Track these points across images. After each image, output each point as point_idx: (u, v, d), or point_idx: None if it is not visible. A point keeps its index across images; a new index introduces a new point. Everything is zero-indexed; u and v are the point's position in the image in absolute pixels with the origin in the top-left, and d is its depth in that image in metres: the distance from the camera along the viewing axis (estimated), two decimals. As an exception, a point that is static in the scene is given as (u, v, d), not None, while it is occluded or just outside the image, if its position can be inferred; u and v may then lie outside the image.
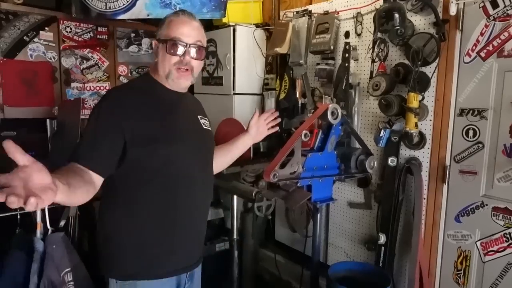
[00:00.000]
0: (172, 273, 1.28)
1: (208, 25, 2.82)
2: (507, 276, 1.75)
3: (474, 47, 1.78)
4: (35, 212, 1.71)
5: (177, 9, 2.53)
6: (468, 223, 1.87)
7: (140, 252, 1.23)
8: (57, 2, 2.86)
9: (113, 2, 2.49)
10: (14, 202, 0.67)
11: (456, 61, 1.84)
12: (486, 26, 1.73)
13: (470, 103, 1.82)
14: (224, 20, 2.75)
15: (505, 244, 1.75)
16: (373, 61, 2.09)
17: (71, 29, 2.94)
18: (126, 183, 1.21)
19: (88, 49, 3.04)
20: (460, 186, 1.88)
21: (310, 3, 2.55)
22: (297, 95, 2.49)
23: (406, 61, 1.95)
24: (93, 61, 3.08)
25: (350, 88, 2.20)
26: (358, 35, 2.23)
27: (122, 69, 3.23)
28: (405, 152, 2.04)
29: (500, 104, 1.72)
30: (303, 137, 1.72)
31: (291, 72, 2.62)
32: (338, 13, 2.30)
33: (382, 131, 2.00)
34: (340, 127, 1.86)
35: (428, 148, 1.96)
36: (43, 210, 1.72)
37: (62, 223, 1.98)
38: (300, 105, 2.48)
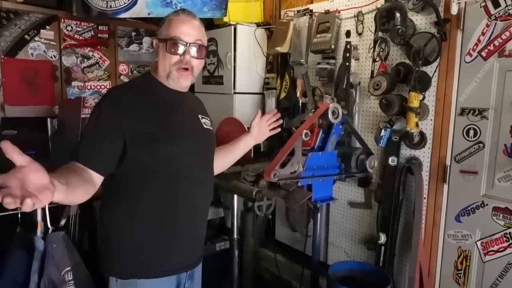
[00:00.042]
0: (172, 272, 1.28)
1: (209, 24, 2.82)
2: (507, 276, 1.74)
3: (475, 47, 1.78)
4: (35, 211, 1.72)
5: (178, 8, 2.53)
6: (468, 223, 1.87)
7: (140, 251, 1.23)
8: (58, 0, 2.86)
9: (114, 1, 2.49)
10: (10, 203, 0.67)
11: (457, 61, 1.84)
12: (487, 25, 1.73)
13: (471, 103, 1.81)
14: (225, 19, 2.75)
15: (506, 244, 1.74)
16: (374, 60, 2.08)
17: (72, 27, 2.94)
18: (126, 182, 1.21)
19: (89, 48, 3.04)
20: (461, 186, 1.87)
21: (311, 2, 2.54)
22: (298, 95, 2.48)
23: (407, 61, 1.94)
24: (94, 60, 3.08)
25: (351, 87, 2.20)
26: (359, 34, 2.22)
27: (122, 68, 3.24)
28: (406, 151, 2.04)
29: (501, 104, 1.72)
30: (303, 136, 1.72)
31: (291, 71, 2.62)
32: (339, 12, 2.30)
33: (383, 130, 2.00)
34: (340, 127, 1.86)
35: (429, 148, 1.96)
36: (43, 209, 1.72)
37: (63, 222, 1.99)
38: (300, 104, 2.47)
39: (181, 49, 1.23)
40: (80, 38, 2.99)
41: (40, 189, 0.74)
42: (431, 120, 1.94)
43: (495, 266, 1.78)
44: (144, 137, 1.18)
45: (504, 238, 1.75)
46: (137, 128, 1.17)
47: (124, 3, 2.50)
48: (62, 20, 2.89)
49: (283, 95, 2.63)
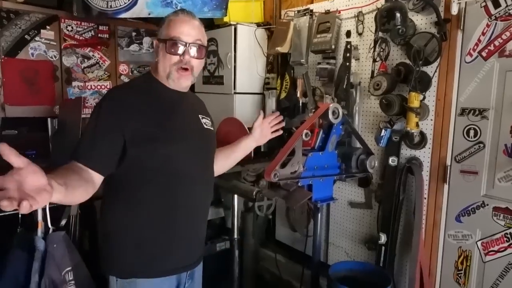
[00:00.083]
0: (172, 271, 1.29)
1: (209, 24, 2.82)
2: (507, 276, 1.74)
3: (475, 47, 1.77)
4: (36, 211, 1.71)
5: (178, 8, 2.53)
6: (468, 223, 1.87)
7: (140, 251, 1.24)
8: (59, 0, 2.86)
9: (114, 1, 2.49)
10: (7, 206, 0.67)
11: (458, 61, 1.84)
12: (487, 25, 1.73)
13: (471, 103, 1.81)
14: (225, 19, 2.75)
15: (506, 244, 1.74)
16: (374, 60, 2.08)
17: (72, 27, 2.94)
18: (127, 182, 1.21)
19: (89, 48, 3.04)
20: (461, 186, 1.87)
21: (312, 2, 2.54)
22: (298, 95, 2.48)
23: (407, 61, 1.94)
24: (94, 60, 3.08)
25: (351, 87, 2.20)
26: (359, 34, 2.22)
27: (123, 68, 3.24)
28: (406, 151, 2.04)
29: (501, 104, 1.72)
30: (304, 136, 1.72)
31: (292, 71, 2.62)
32: (339, 12, 2.30)
33: (383, 130, 2.00)
34: (341, 127, 1.86)
35: (429, 148, 1.96)
36: (44, 209, 1.72)
37: (63, 222, 1.98)
38: (301, 104, 2.47)
39: (181, 49, 1.23)
40: (81, 38, 2.99)
41: (37, 191, 0.74)
42: (431, 120, 1.94)
43: (495, 266, 1.78)
44: (144, 137, 1.18)
45: (505, 238, 1.75)
46: (137, 128, 1.18)
47: (125, 3, 2.50)
48: (63, 20, 2.89)
49: (283, 95, 2.63)
